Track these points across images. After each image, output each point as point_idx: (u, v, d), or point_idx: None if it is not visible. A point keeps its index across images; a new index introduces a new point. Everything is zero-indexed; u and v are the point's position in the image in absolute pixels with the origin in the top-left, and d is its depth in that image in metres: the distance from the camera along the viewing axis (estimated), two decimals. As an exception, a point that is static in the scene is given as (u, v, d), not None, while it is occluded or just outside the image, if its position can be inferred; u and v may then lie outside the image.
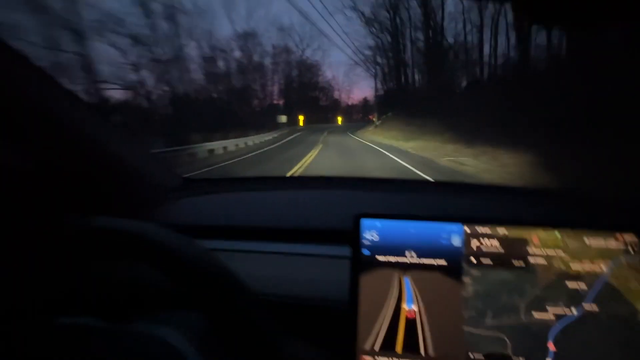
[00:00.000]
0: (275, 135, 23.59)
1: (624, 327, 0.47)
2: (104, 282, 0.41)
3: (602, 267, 0.48)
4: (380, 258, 0.53)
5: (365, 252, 0.53)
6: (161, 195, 0.90)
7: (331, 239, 0.69)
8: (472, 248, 0.51)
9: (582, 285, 0.48)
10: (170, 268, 0.33)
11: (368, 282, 0.52)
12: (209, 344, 0.37)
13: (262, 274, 0.65)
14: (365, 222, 0.54)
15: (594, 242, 0.49)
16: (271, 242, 0.73)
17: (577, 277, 0.49)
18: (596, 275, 0.48)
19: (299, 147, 14.45)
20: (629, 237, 0.49)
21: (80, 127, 0.64)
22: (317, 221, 0.74)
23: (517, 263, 0.50)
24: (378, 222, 0.54)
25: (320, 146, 13.82)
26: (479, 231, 0.52)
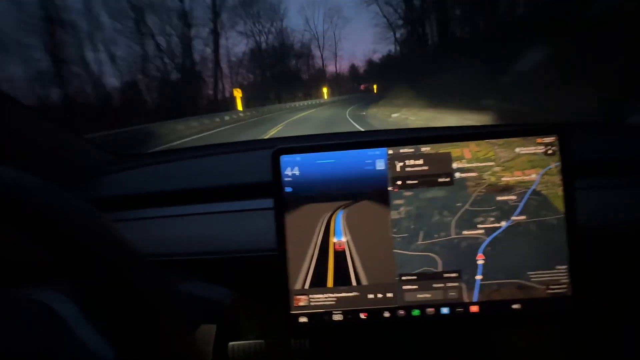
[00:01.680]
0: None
1: (548, 232, 0.47)
2: None
3: (533, 176, 0.47)
4: (304, 194, 0.49)
5: (288, 189, 0.49)
6: (90, 171, 0.85)
7: (256, 193, 0.66)
8: (396, 170, 0.49)
9: (512, 197, 0.48)
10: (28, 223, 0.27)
11: (294, 220, 0.49)
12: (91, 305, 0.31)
13: (194, 234, 0.61)
14: (284, 159, 0.50)
15: (525, 150, 0.48)
16: (202, 204, 0.69)
17: (507, 189, 0.48)
18: (527, 186, 0.48)
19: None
20: (550, 140, 0.48)
21: None
22: (243, 178, 0.70)
23: (442, 180, 0.48)
24: (298, 157, 0.50)
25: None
26: (402, 152, 0.49)
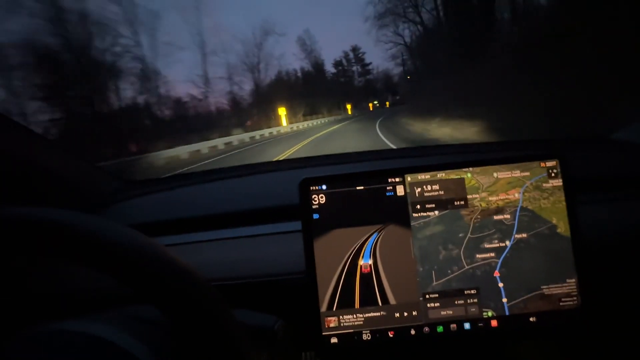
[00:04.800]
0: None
1: (547, 243, 0.52)
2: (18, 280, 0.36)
3: (517, 195, 0.52)
4: (331, 220, 0.53)
5: (315, 215, 0.53)
6: (101, 199, 0.86)
7: (283, 217, 0.68)
8: (415, 195, 0.53)
9: (507, 217, 0.52)
10: (108, 262, 0.29)
11: (321, 245, 0.52)
12: (157, 339, 0.32)
13: (219, 260, 0.63)
14: (311, 187, 0.53)
15: (502, 175, 0.53)
16: (224, 229, 0.71)
17: (499, 211, 0.52)
18: (514, 204, 0.52)
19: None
20: (551, 163, 0.53)
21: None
22: (266, 202, 0.73)
23: (458, 203, 0.53)
24: (324, 186, 0.53)
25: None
26: (420, 178, 0.53)
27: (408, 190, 0.53)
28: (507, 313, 0.51)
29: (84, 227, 0.28)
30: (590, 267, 0.51)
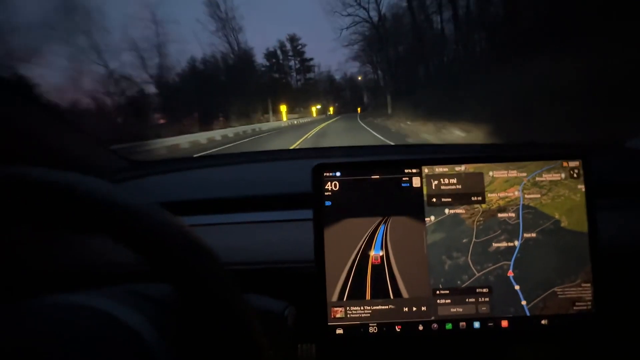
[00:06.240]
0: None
1: (554, 238, 0.50)
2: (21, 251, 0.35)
3: (517, 193, 0.51)
4: (343, 208, 0.51)
5: (327, 203, 0.51)
6: (109, 177, 0.85)
7: (295, 204, 0.67)
8: (432, 188, 0.51)
9: (511, 215, 0.50)
10: (133, 235, 0.27)
11: (332, 233, 0.51)
12: (162, 317, 0.31)
13: (230, 244, 0.62)
14: (325, 173, 0.52)
15: (498, 174, 0.51)
16: (235, 214, 0.69)
17: (502, 209, 0.51)
18: (516, 202, 0.51)
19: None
20: (574, 164, 0.51)
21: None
22: (279, 188, 0.71)
23: (475, 198, 0.51)
24: (338, 173, 0.52)
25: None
26: (438, 171, 0.52)
27: (424, 182, 0.51)
28: (527, 314, 0.49)
29: (108, 196, 0.27)
30: (606, 273, 0.50)
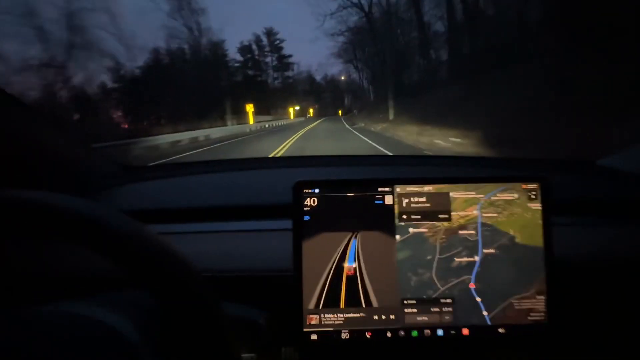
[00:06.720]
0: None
1: (510, 253, 0.55)
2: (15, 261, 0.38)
3: (475, 212, 0.56)
4: (321, 222, 0.55)
5: (306, 217, 0.55)
6: (98, 183, 0.86)
7: (273, 214, 0.71)
8: (403, 206, 0.56)
9: (471, 232, 0.55)
10: (108, 246, 0.30)
11: (310, 246, 0.55)
12: (153, 325, 0.34)
13: (210, 252, 0.65)
14: (304, 190, 0.56)
15: (457, 195, 0.56)
16: (216, 222, 0.72)
17: (462, 227, 0.55)
18: (475, 220, 0.55)
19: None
20: (532, 186, 0.56)
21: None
22: (259, 198, 0.75)
23: (442, 216, 0.56)
24: (316, 189, 0.56)
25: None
26: (408, 190, 0.56)
27: (396, 201, 0.56)
28: (489, 323, 0.54)
29: (82, 211, 0.29)
30: (560, 287, 0.55)
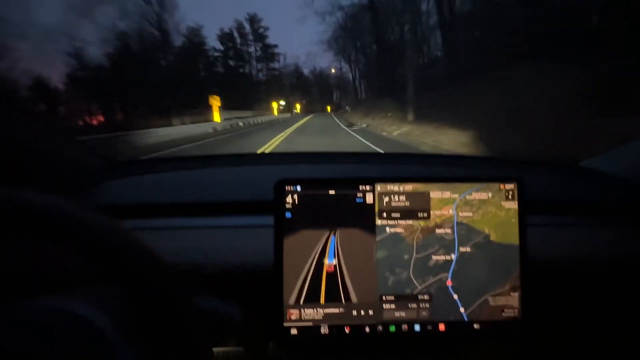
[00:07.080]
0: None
1: (485, 250, 0.56)
2: None
3: (451, 211, 0.57)
4: (302, 220, 0.56)
5: (288, 214, 0.56)
6: (82, 178, 0.86)
7: (256, 210, 0.71)
8: (383, 204, 0.57)
9: (447, 231, 0.57)
10: (73, 241, 0.31)
11: (291, 242, 0.55)
12: (126, 318, 0.35)
13: (192, 247, 0.65)
14: (286, 187, 0.56)
15: (434, 195, 0.57)
16: (199, 218, 0.73)
17: (439, 226, 0.57)
18: (450, 220, 0.57)
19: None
20: (509, 186, 0.58)
21: None
22: (242, 194, 0.75)
23: (421, 215, 0.57)
24: (298, 187, 0.56)
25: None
26: (389, 189, 0.57)
27: (376, 199, 0.57)
28: (465, 319, 0.56)
29: (48, 208, 0.30)
30: (534, 285, 0.56)
